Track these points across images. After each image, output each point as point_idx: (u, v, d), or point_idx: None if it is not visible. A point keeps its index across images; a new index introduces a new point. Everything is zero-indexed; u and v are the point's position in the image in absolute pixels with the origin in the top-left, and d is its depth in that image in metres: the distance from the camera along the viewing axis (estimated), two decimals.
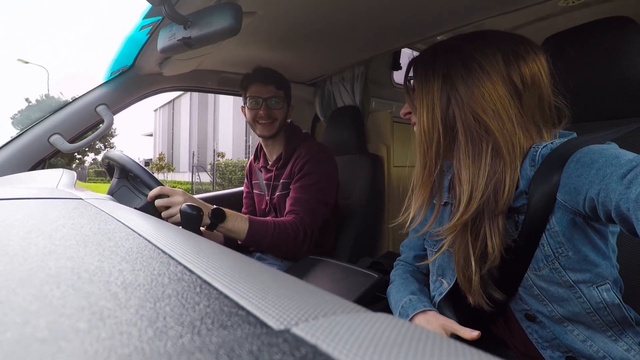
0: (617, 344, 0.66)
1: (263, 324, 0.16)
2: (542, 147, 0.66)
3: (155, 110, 46.34)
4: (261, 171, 1.54)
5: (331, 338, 0.14)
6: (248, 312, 0.17)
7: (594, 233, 0.64)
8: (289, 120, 1.51)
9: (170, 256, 0.27)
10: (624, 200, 0.50)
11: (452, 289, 0.78)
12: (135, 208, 1.06)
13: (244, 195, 1.66)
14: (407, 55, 2.16)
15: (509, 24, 1.52)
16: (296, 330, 0.15)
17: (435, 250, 0.82)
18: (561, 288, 0.65)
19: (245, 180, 1.68)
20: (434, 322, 0.77)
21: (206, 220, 1.10)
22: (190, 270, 0.23)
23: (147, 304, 0.18)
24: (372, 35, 1.39)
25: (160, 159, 32.18)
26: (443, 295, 0.79)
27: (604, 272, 0.64)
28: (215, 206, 1.12)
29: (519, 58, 0.67)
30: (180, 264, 0.25)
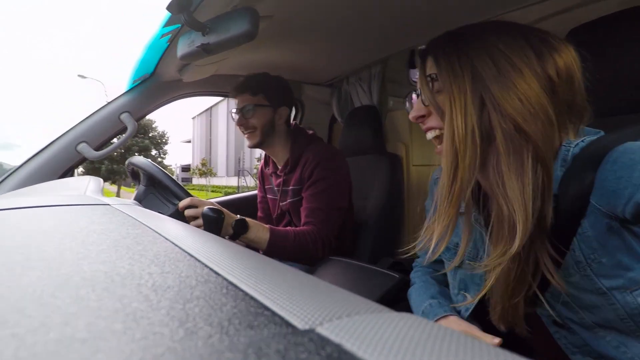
0: None
1: (288, 324, 0.16)
2: (573, 145, 0.61)
3: (193, 118, 48.42)
4: (272, 177, 1.53)
5: (355, 337, 0.15)
6: (273, 313, 0.18)
7: (632, 237, 0.58)
8: (293, 122, 1.47)
9: (196, 259, 0.28)
10: None
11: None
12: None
13: (259, 200, 1.66)
14: None
15: (531, 17, 1.49)
16: (321, 330, 0.16)
17: (451, 262, 0.77)
18: (593, 295, 0.61)
19: (259, 184, 1.66)
20: (455, 327, 0.74)
21: (229, 230, 1.12)
22: (216, 273, 0.24)
23: (177, 305, 0.18)
24: (389, 33, 1.38)
25: (204, 164, 34.33)
26: (470, 310, 0.76)
27: (638, 277, 0.59)
28: (239, 216, 1.14)
29: (552, 49, 0.60)
30: (206, 266, 0.26)
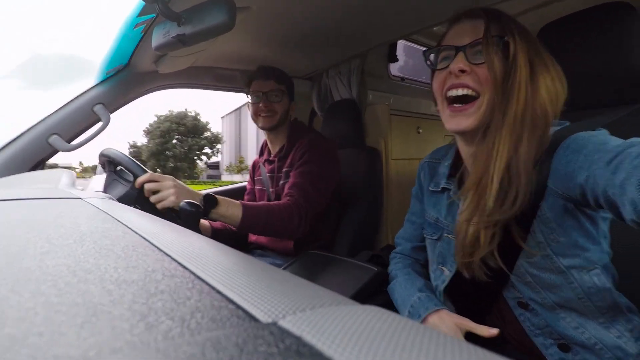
0: (609, 331, 0.67)
1: (252, 317, 0.17)
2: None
3: (222, 117, 48.66)
4: (264, 165, 1.57)
5: (316, 330, 0.15)
6: (238, 306, 0.18)
7: (585, 218, 0.64)
8: (292, 117, 1.55)
9: (165, 253, 0.27)
10: (610, 185, 0.51)
11: (452, 278, 0.79)
12: (121, 196, 1.07)
13: (246, 192, 1.69)
14: (403, 47, 2.16)
15: (508, 12, 1.52)
16: (283, 323, 0.16)
17: (436, 238, 0.83)
18: (553, 274, 0.66)
19: (249, 178, 1.71)
20: (448, 320, 0.77)
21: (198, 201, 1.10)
22: (184, 267, 0.24)
23: (140, 300, 0.18)
24: (368, 27, 1.39)
25: (241, 161, 37.38)
26: (446, 283, 0.80)
27: (593, 257, 0.65)
28: (206, 192, 1.14)
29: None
30: (174, 260, 0.26)
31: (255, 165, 1.68)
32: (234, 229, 1.21)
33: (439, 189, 0.83)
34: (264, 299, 0.19)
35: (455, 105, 0.70)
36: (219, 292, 0.20)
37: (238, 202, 1.19)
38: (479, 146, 0.70)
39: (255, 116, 1.47)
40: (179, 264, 0.25)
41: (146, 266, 0.24)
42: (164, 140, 37.63)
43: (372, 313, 0.17)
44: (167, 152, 38.04)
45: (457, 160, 0.83)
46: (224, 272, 0.23)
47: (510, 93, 0.64)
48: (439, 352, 0.14)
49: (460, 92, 0.69)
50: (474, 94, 0.68)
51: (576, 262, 0.65)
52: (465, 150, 0.78)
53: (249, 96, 1.49)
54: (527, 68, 0.65)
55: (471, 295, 0.80)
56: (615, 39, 0.80)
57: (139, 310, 0.17)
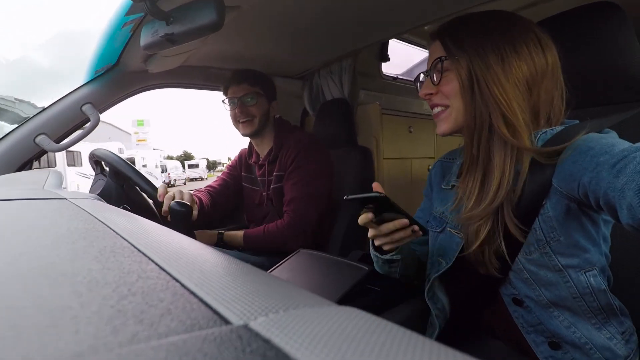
0: (601, 332, 0.68)
1: (223, 320, 0.16)
2: (542, 132, 0.68)
3: None
4: (255, 167, 1.57)
5: (286, 332, 0.15)
6: (210, 308, 0.17)
7: (587, 220, 0.65)
8: (277, 116, 1.53)
9: (144, 254, 0.27)
10: (612, 188, 0.52)
11: (448, 271, 0.80)
12: (107, 194, 1.08)
13: (219, 181, 1.67)
14: (394, 46, 2.16)
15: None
16: (254, 325, 0.15)
17: (439, 231, 0.85)
18: (550, 272, 0.67)
19: (228, 170, 1.70)
20: None
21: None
22: (161, 268, 0.24)
23: (110, 302, 0.18)
24: (359, 26, 1.38)
25: None
26: (440, 273, 0.81)
27: (592, 259, 0.66)
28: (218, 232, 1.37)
29: (544, 44, 0.69)
30: (152, 261, 0.25)
31: (242, 160, 1.66)
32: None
33: (449, 187, 0.84)
34: (238, 300, 0.18)
35: (435, 113, 0.77)
36: (193, 293, 0.19)
37: (241, 232, 1.34)
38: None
39: (235, 123, 1.46)
40: (157, 265, 0.24)
41: (122, 268, 0.23)
42: None
43: (347, 314, 0.17)
44: None
45: None
46: (201, 273, 0.23)
47: (475, 99, 0.69)
48: (409, 354, 0.13)
49: (435, 110, 0.77)
50: (444, 107, 0.74)
51: (574, 262, 0.66)
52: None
53: (227, 104, 1.47)
54: (485, 75, 0.67)
55: (467, 290, 0.81)
56: (602, 39, 0.80)
57: (107, 314, 0.16)
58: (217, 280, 0.22)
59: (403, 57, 2.30)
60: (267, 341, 0.14)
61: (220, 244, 1.34)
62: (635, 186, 0.48)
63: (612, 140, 0.59)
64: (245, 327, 0.15)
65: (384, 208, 0.70)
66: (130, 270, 0.23)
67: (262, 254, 1.41)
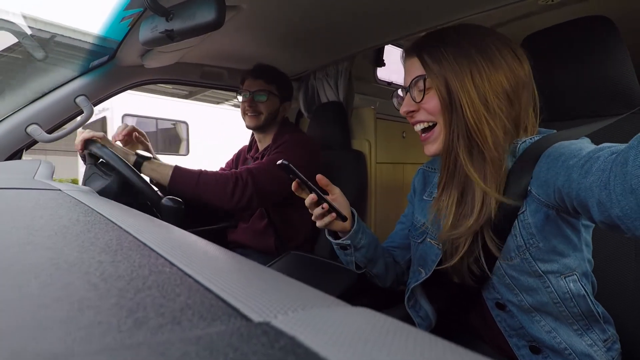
0: (582, 339, 0.69)
1: (243, 316, 0.16)
2: (521, 142, 0.69)
3: None
4: (251, 161, 1.56)
5: (310, 330, 0.15)
6: (228, 305, 0.17)
7: (567, 226, 0.66)
8: (285, 116, 1.54)
9: (151, 248, 0.27)
10: (582, 188, 0.53)
11: (429, 279, 0.80)
12: (100, 190, 1.06)
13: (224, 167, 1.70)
14: (389, 52, 2.17)
15: (490, 21, 1.54)
16: (275, 323, 0.15)
17: (419, 241, 0.85)
18: (531, 278, 0.68)
19: (228, 164, 1.72)
20: None
21: (132, 158, 1.17)
22: (171, 263, 0.23)
23: (128, 295, 0.18)
24: (356, 31, 1.39)
25: None
26: (419, 282, 0.82)
27: (571, 264, 0.67)
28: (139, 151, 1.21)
29: (517, 57, 0.69)
30: (161, 256, 0.25)
31: (241, 155, 1.67)
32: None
33: (430, 198, 0.84)
34: (254, 297, 0.18)
35: (422, 135, 0.76)
36: (208, 289, 0.19)
37: (172, 164, 1.21)
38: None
39: (243, 114, 1.47)
40: (166, 259, 0.24)
41: (132, 261, 0.23)
42: None
43: (364, 315, 0.17)
44: None
45: None
46: (212, 269, 0.23)
47: (452, 117, 0.69)
48: (432, 354, 0.14)
49: (419, 127, 0.75)
50: (430, 124, 0.73)
51: (553, 267, 0.67)
52: None
53: (240, 93, 1.47)
54: (459, 94, 0.67)
55: (451, 296, 0.83)
56: (594, 51, 0.82)
57: (127, 306, 0.16)
58: (228, 277, 0.22)
59: (398, 62, 2.31)
60: (292, 338, 0.14)
61: (138, 160, 1.16)
62: (601, 183, 0.49)
63: (581, 145, 0.60)
64: (268, 324, 0.15)
65: (303, 182, 0.78)
66: (141, 264, 0.23)
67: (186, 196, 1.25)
